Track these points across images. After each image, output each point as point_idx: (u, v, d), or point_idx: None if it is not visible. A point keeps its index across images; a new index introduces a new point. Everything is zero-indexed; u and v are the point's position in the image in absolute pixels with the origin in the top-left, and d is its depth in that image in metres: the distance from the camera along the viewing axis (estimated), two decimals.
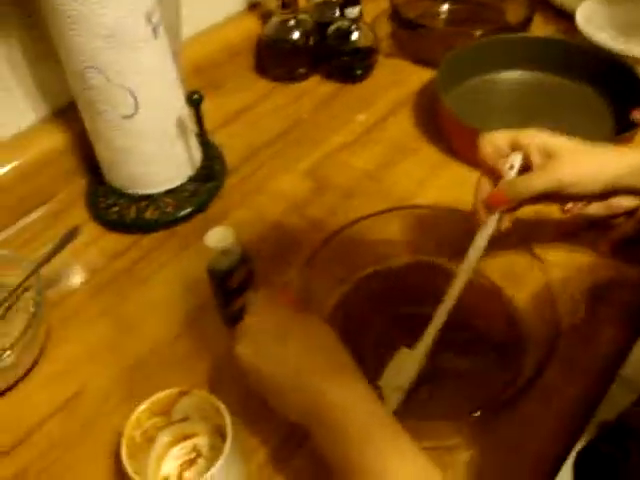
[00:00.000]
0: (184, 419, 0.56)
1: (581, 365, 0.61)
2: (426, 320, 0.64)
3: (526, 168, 0.59)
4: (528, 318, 0.61)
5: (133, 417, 0.53)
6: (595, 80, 0.90)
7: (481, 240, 0.59)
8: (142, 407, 0.54)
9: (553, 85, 0.93)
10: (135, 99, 0.70)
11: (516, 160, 0.59)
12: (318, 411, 0.46)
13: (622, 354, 0.64)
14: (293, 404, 0.49)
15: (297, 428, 0.49)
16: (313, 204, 0.79)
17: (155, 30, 0.68)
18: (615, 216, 0.72)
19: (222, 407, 0.53)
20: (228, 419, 0.52)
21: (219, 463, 0.49)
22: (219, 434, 0.55)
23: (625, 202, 0.71)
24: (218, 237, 0.58)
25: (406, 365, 0.58)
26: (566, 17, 1.05)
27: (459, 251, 0.68)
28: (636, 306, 0.65)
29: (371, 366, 0.60)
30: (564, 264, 0.69)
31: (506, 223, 0.60)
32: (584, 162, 0.57)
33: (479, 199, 0.60)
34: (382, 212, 0.68)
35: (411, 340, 0.62)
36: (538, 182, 0.57)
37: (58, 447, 0.59)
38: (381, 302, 0.67)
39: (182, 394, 0.54)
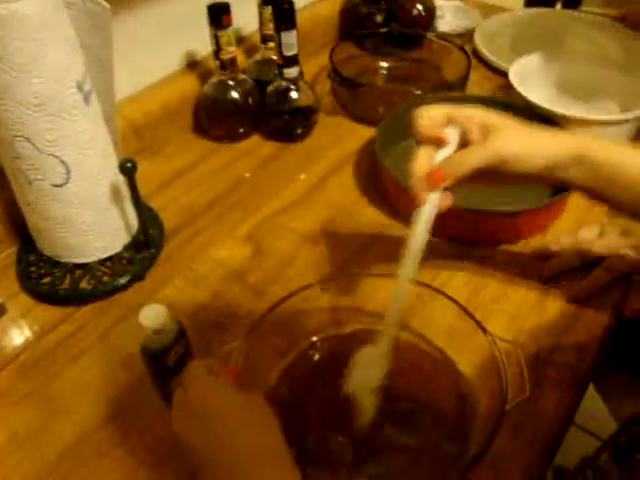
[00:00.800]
0: None
1: (528, 430, 0.60)
2: None
3: (463, 145, 0.58)
4: (474, 390, 0.60)
5: None
6: None
7: (423, 218, 0.56)
8: None
9: None
10: (66, 168, 0.68)
11: (453, 134, 0.58)
12: None
13: (569, 417, 0.63)
14: None
15: None
16: (253, 271, 0.77)
17: (87, 98, 0.66)
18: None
19: None
20: None
21: None
22: None
23: (595, 249, 0.73)
24: (151, 315, 0.55)
25: (372, 364, 0.57)
26: (502, 74, 1.08)
27: (404, 317, 0.68)
28: (581, 369, 0.65)
29: (316, 438, 0.59)
30: (507, 329, 0.68)
31: (447, 201, 0.57)
32: (524, 138, 0.57)
33: (417, 174, 0.57)
34: (323, 281, 0.66)
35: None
36: (479, 156, 0.56)
37: None
38: (326, 372, 0.65)
39: None
